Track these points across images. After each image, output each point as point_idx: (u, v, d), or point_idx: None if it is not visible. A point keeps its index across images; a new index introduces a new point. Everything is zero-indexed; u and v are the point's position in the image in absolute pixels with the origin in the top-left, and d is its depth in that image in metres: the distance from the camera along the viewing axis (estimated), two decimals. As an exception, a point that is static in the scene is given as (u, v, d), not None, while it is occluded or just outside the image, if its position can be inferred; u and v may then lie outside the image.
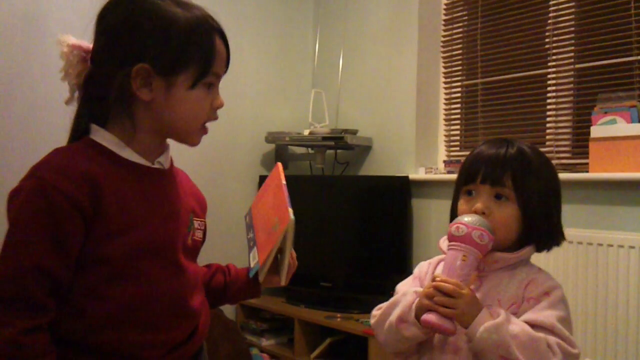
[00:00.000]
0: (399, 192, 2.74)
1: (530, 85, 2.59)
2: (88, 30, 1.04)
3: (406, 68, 2.90)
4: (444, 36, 2.94)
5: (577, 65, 2.42)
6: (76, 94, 1.07)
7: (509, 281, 1.12)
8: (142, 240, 1.00)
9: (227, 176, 3.08)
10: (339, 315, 2.65)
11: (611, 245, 2.01)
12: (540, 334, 1.03)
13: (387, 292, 2.51)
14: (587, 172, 2.19)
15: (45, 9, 2.49)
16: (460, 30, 2.88)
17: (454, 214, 1.19)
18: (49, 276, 0.92)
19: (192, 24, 1.02)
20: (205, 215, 1.20)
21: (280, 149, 3.23)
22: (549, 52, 2.51)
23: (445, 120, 2.93)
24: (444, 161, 2.83)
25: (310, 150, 3.26)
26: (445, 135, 2.93)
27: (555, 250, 1.18)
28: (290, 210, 1.09)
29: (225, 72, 1.09)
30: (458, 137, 2.89)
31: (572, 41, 2.44)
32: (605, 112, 2.16)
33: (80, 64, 1.05)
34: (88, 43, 1.05)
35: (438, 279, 1.08)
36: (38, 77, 2.44)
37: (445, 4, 2.94)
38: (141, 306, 1.00)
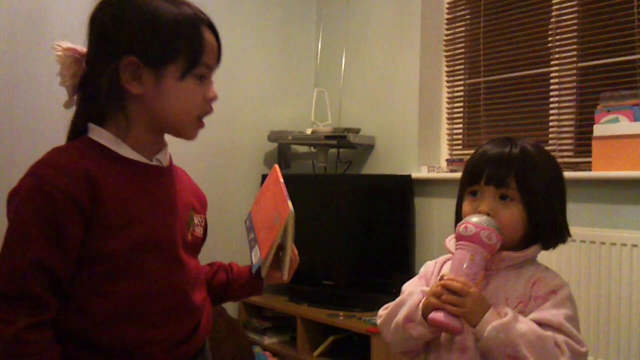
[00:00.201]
0: (402, 190, 2.74)
1: (533, 84, 2.59)
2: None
3: (409, 67, 2.90)
4: (446, 35, 2.94)
5: (580, 64, 2.42)
6: (75, 97, 1.08)
7: (515, 280, 1.12)
8: (141, 235, 1.00)
9: (229, 175, 3.08)
10: (341, 313, 2.66)
11: (614, 244, 2.02)
12: (548, 333, 1.03)
13: (389, 291, 2.52)
14: (590, 170, 2.19)
15: (48, 10, 2.49)
16: (463, 29, 2.88)
17: (458, 215, 1.19)
18: (48, 273, 0.93)
19: (179, 15, 1.03)
20: (205, 212, 1.21)
21: (283, 148, 3.23)
22: (551, 50, 2.51)
23: (448, 118, 2.93)
24: (447, 160, 2.83)
25: (312, 149, 3.27)
26: (448, 134, 2.93)
27: (559, 248, 1.18)
28: (289, 202, 1.09)
29: (218, 64, 1.10)
30: (461, 136, 2.89)
31: (575, 40, 2.44)
32: (608, 111, 2.16)
33: (74, 64, 1.06)
34: (85, 48, 1.07)
35: (446, 277, 1.08)
36: (41, 78, 2.43)
37: (448, 3, 2.93)
38: (143, 302, 1.01)
